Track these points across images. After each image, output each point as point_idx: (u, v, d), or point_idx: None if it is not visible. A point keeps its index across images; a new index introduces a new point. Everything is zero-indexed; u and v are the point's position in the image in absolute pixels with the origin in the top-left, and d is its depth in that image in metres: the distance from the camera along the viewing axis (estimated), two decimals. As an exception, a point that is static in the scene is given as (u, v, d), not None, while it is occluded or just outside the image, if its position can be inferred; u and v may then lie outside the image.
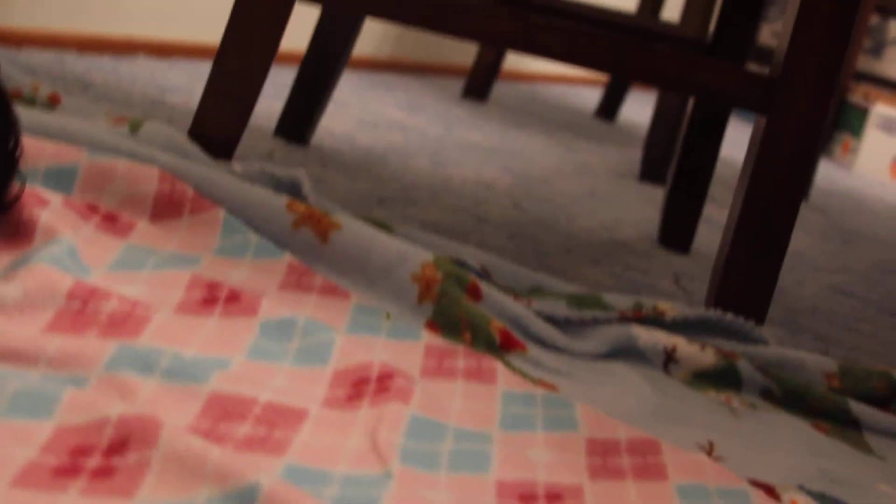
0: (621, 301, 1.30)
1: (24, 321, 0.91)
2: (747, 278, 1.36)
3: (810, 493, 0.99)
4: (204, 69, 2.17)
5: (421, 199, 1.73)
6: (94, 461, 0.73)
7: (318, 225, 1.21)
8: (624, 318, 1.26)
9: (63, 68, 1.96)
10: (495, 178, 2.04)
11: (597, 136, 2.89)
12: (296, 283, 1.14)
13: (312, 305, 1.11)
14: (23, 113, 1.30)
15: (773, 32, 4.27)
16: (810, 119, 1.35)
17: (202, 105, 1.39)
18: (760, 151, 1.36)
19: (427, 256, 1.20)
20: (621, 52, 1.39)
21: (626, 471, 0.92)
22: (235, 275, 1.13)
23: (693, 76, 1.38)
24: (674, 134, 2.42)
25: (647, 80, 1.42)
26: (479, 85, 2.95)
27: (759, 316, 1.35)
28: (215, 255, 1.16)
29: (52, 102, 1.49)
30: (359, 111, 2.34)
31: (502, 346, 1.13)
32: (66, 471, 0.72)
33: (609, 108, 3.25)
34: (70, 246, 1.03)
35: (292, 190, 1.35)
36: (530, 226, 1.76)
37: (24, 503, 0.68)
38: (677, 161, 1.88)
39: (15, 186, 1.06)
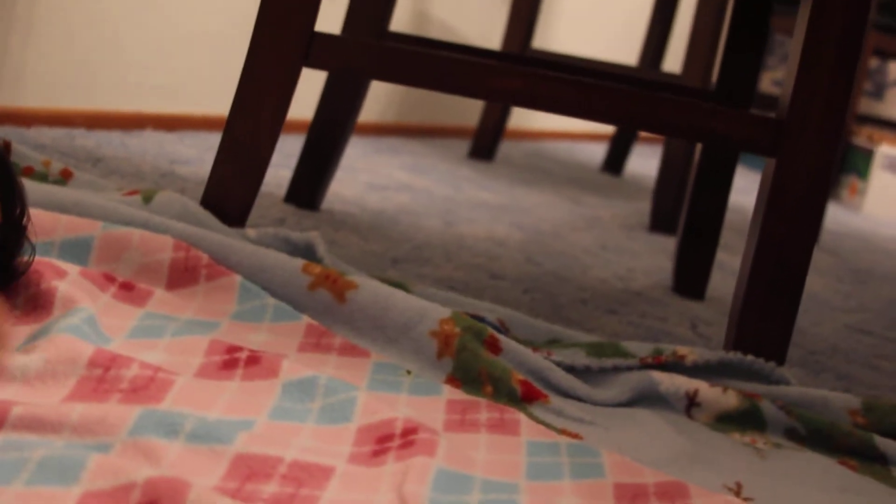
0: (640, 348, 1.29)
1: (46, 390, 0.91)
2: (765, 320, 1.36)
3: (842, 531, 0.98)
4: (213, 140, 2.19)
5: (434, 258, 1.74)
6: (122, 526, 0.73)
7: (334, 286, 1.22)
8: (644, 365, 1.26)
9: (73, 144, 1.97)
10: (507, 235, 2.05)
11: (604, 189, 2.90)
12: (315, 344, 1.14)
13: (333, 365, 1.11)
14: (36, 187, 1.31)
15: (774, 80, 4.29)
16: (820, 158, 1.36)
17: (214, 172, 1.40)
18: (772, 193, 1.36)
19: (444, 312, 1.20)
20: (629, 104, 1.39)
21: (656, 515, 0.91)
22: (254, 338, 1.13)
23: (701, 123, 1.39)
24: (682, 184, 2.43)
25: (656, 130, 1.43)
26: (484, 145, 2.96)
27: (779, 357, 1.35)
28: (233, 320, 1.16)
29: (64, 177, 1.50)
30: (367, 175, 2.35)
31: (524, 398, 1.13)
32: (96, 536, 0.71)
33: (615, 161, 3.26)
34: (89, 315, 1.03)
35: (307, 253, 1.35)
36: (544, 279, 1.76)
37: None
38: (687, 209, 1.89)
39: (24, 256, 1.07)
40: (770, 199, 1.36)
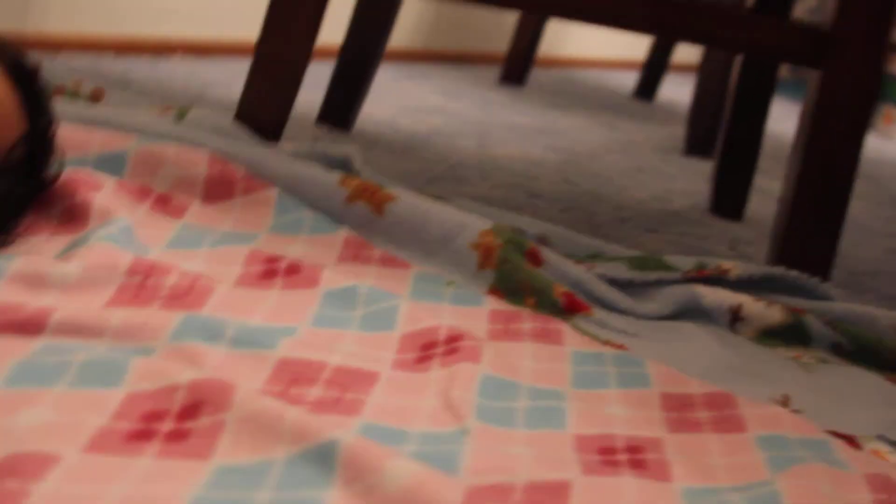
0: (683, 262, 1.27)
1: (86, 297, 0.90)
2: (810, 236, 1.33)
3: (891, 443, 0.96)
4: (242, 66, 2.16)
5: (470, 177, 1.72)
6: (167, 425, 0.72)
7: (372, 198, 1.20)
8: (687, 279, 1.24)
9: (101, 70, 1.96)
10: (542, 156, 2.02)
11: (637, 115, 2.87)
12: (354, 255, 1.13)
13: (373, 276, 1.09)
14: (68, 106, 1.29)
15: (809, 9, 4.23)
16: (865, 72, 1.33)
17: (247, 88, 1.38)
18: (817, 106, 1.33)
19: (485, 224, 1.18)
20: (672, 14, 1.36)
21: (704, 423, 0.89)
22: (292, 250, 1.11)
23: (745, 34, 1.36)
24: (717, 108, 2.39)
25: (699, 41, 1.40)
26: (515, 70, 2.93)
27: (824, 273, 1.32)
28: (271, 232, 1.15)
29: (96, 98, 1.48)
30: (398, 98, 2.32)
31: (567, 310, 1.11)
32: (140, 435, 0.70)
33: (647, 88, 3.23)
34: (126, 225, 1.02)
35: (343, 167, 1.33)
36: (581, 199, 1.74)
37: (99, 467, 0.66)
38: (726, 131, 1.86)
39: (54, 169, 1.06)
40: (816, 111, 1.34)
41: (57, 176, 1.06)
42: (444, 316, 1.02)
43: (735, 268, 1.25)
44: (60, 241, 1.01)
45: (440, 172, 1.71)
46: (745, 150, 1.84)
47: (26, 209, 1.03)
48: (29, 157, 1.02)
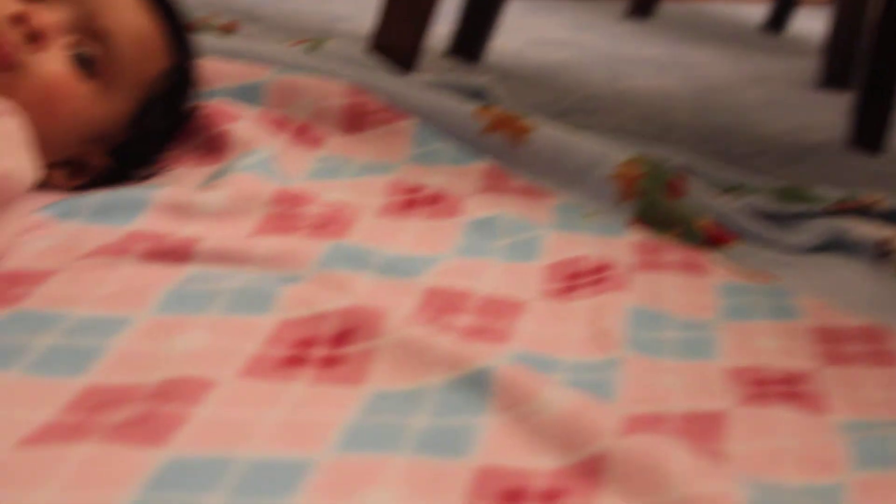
0: (829, 193, 1.24)
1: (230, 227, 0.90)
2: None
3: None
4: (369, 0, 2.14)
5: (602, 109, 1.69)
6: (319, 351, 0.71)
7: (510, 129, 1.18)
8: (833, 211, 1.20)
9: (229, 4, 1.96)
10: (674, 89, 1.98)
11: (768, 47, 2.80)
12: (494, 186, 1.11)
13: (514, 206, 1.07)
14: (202, 38, 1.29)
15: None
16: None
17: (381, 18, 1.37)
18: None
19: (625, 155, 1.16)
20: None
21: (860, 357, 0.87)
22: (432, 181, 1.10)
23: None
24: (855, 39, 2.33)
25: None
26: (642, 4, 2.88)
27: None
28: (410, 162, 1.14)
29: (229, 30, 1.48)
30: (526, 32, 2.30)
31: (712, 241, 1.09)
32: (293, 361, 0.70)
33: (777, 20, 3.15)
34: (268, 156, 1.01)
35: (478, 97, 1.32)
36: (716, 132, 1.71)
37: (254, 393, 0.67)
38: (867, 62, 1.80)
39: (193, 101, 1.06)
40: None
41: (198, 108, 1.07)
42: (588, 246, 1.00)
43: (883, 200, 1.22)
44: (203, 171, 1.01)
45: (571, 104, 1.69)
46: (887, 82, 1.79)
47: (170, 142, 1.04)
48: (172, 90, 1.02)
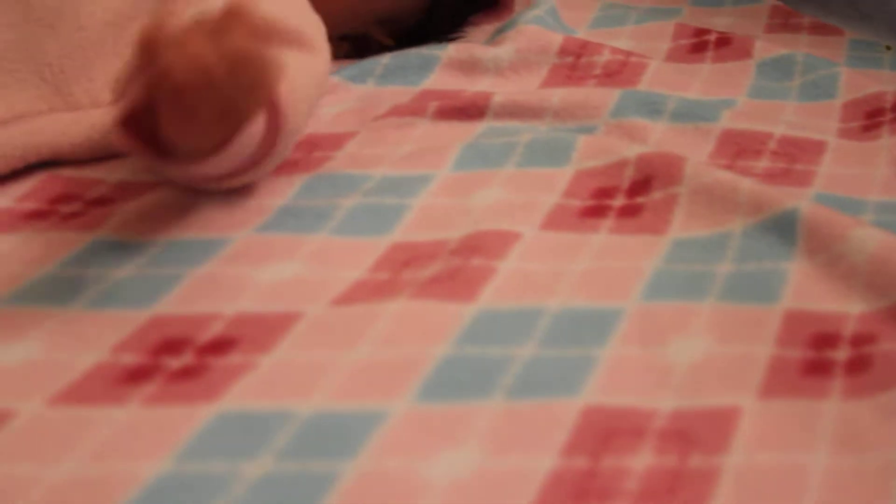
0: None
1: (520, 80, 0.90)
2: None
3: None
4: None
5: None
6: (618, 201, 0.71)
7: (798, -37, 1.14)
8: None
9: None
10: None
11: None
12: (783, 24, 1.08)
13: (805, 44, 1.04)
14: None
15: None
16: None
17: None
18: None
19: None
20: None
21: None
22: (718, 22, 1.07)
23: None
24: None
25: None
26: None
27: None
28: (694, 5, 1.11)
29: None
30: None
31: None
32: (592, 211, 0.70)
33: None
34: (552, 7, 1.01)
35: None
36: None
37: (555, 244, 0.67)
38: None
39: None
40: None
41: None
42: (886, 82, 0.96)
43: None
44: (487, 28, 1.01)
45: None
46: None
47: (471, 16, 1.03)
48: None
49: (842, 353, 0.58)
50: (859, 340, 0.59)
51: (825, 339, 0.59)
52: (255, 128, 0.65)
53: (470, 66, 0.90)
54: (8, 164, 0.73)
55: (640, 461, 0.50)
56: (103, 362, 0.57)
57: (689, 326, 0.59)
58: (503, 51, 0.91)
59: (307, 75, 0.72)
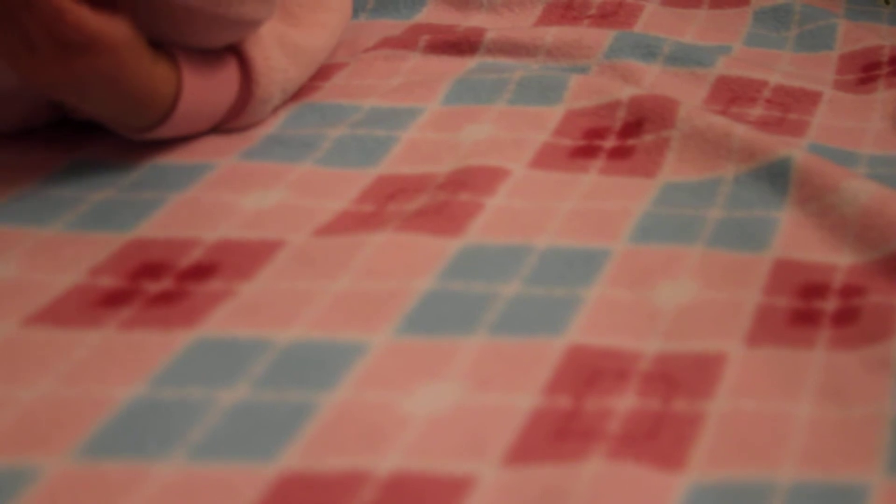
0: None
1: (514, 18, 0.89)
2: None
3: None
4: None
5: None
6: (609, 142, 0.70)
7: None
8: None
9: None
10: None
11: None
12: (782, -27, 1.06)
13: (804, -7, 1.03)
14: None
15: None
16: None
17: None
18: None
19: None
20: None
21: None
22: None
23: None
24: None
25: None
26: None
27: None
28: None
29: None
30: None
31: None
32: (582, 152, 0.69)
33: None
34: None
35: None
36: None
37: (544, 183, 0.66)
38: None
39: None
40: None
41: None
42: (884, 35, 0.95)
43: None
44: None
45: None
46: None
47: None
48: None
49: (830, 304, 0.57)
50: (848, 292, 0.58)
51: (814, 290, 0.58)
52: (227, 89, 0.65)
53: (463, 2, 0.89)
54: None
55: (624, 403, 0.49)
56: (81, 284, 0.56)
57: (676, 270, 0.59)
58: (499, -12, 0.90)
59: (289, 46, 0.72)
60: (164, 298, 0.55)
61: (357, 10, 0.89)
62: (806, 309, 0.56)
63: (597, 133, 0.71)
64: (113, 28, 0.58)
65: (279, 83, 0.71)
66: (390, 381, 0.49)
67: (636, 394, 0.50)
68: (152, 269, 0.57)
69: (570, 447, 0.46)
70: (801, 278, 0.59)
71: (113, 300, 0.54)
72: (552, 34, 0.83)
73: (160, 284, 0.56)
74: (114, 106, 0.63)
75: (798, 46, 0.90)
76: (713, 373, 0.51)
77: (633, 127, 0.71)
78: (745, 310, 0.56)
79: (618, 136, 0.70)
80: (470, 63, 0.80)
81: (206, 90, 0.66)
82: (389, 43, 0.83)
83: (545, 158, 0.68)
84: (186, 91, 0.64)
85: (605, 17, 0.89)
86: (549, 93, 0.74)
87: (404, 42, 0.82)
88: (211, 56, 0.66)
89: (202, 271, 0.57)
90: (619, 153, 0.69)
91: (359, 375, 0.50)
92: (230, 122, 0.70)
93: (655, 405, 0.49)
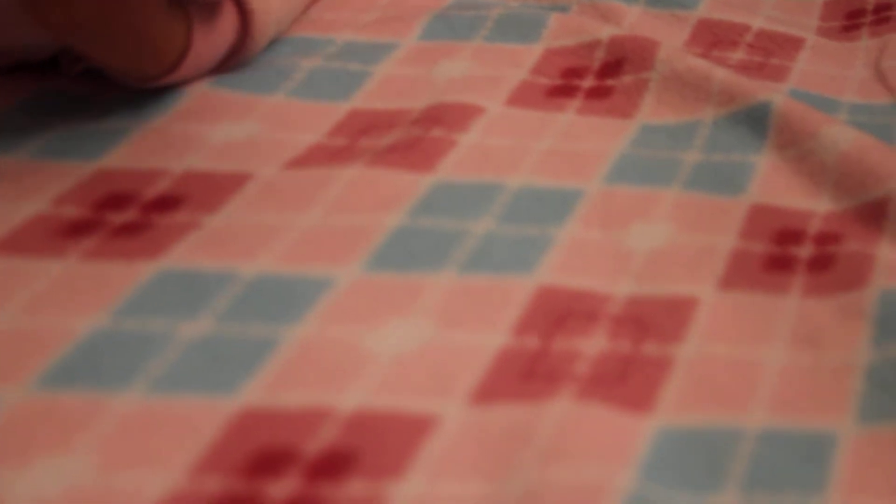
0: None
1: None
2: None
3: None
4: None
5: None
6: (588, 82, 0.69)
7: None
8: None
9: None
10: None
11: None
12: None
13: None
14: None
15: None
16: None
17: None
18: None
19: None
20: None
21: None
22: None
23: None
24: None
25: None
26: None
27: None
28: None
29: None
30: None
31: None
32: (560, 91, 0.68)
33: None
34: None
35: None
36: None
37: (521, 121, 0.65)
38: None
39: None
40: None
41: None
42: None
43: None
44: None
45: None
46: None
47: None
48: None
49: (805, 251, 0.56)
50: (824, 239, 0.57)
51: (789, 235, 0.57)
52: (229, 27, 0.64)
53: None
54: None
55: (593, 345, 0.48)
56: (43, 213, 0.54)
57: (651, 213, 0.58)
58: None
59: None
60: (129, 229, 0.53)
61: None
62: (781, 254, 0.56)
63: (575, 72, 0.70)
64: None
65: (275, 18, 0.69)
66: (357, 317, 0.49)
67: (606, 336, 0.49)
68: (117, 200, 0.56)
69: (538, 387, 0.45)
70: (778, 224, 0.58)
71: (76, 230, 0.53)
72: (532, -28, 0.81)
73: (125, 215, 0.54)
74: (125, 53, 0.61)
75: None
76: (684, 316, 0.51)
77: (612, 67, 0.70)
78: (719, 254, 0.55)
79: (596, 76, 0.69)
80: (448, -1, 0.78)
81: (212, 34, 0.65)
82: (367, -23, 0.81)
83: (521, 96, 0.67)
84: (197, 37, 0.63)
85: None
86: (528, 31, 0.73)
87: (382, -24, 0.81)
88: None
89: (168, 203, 0.56)
90: (597, 93, 0.68)
91: (325, 310, 0.49)
92: (228, 62, 0.68)
93: (625, 348, 0.48)
